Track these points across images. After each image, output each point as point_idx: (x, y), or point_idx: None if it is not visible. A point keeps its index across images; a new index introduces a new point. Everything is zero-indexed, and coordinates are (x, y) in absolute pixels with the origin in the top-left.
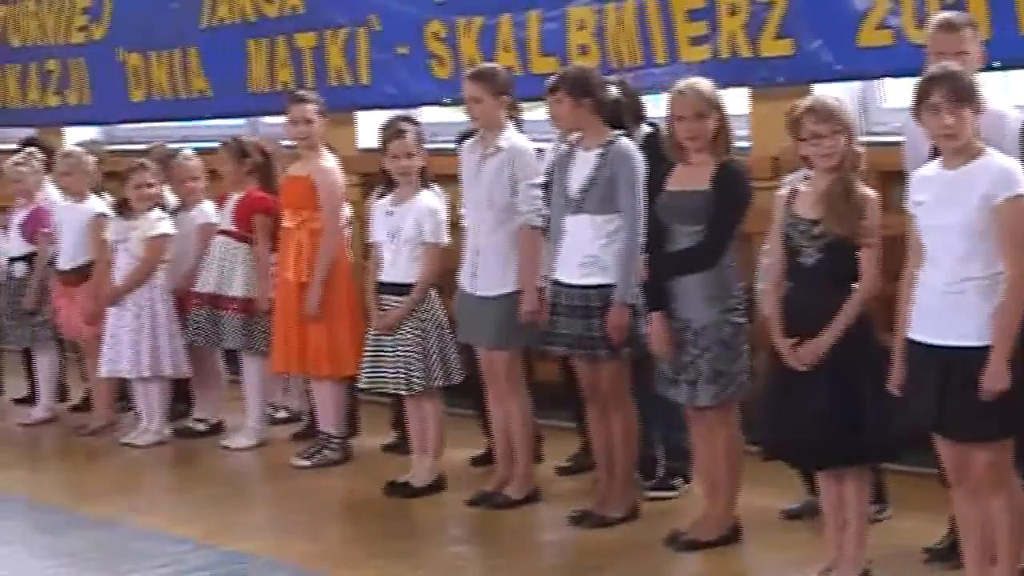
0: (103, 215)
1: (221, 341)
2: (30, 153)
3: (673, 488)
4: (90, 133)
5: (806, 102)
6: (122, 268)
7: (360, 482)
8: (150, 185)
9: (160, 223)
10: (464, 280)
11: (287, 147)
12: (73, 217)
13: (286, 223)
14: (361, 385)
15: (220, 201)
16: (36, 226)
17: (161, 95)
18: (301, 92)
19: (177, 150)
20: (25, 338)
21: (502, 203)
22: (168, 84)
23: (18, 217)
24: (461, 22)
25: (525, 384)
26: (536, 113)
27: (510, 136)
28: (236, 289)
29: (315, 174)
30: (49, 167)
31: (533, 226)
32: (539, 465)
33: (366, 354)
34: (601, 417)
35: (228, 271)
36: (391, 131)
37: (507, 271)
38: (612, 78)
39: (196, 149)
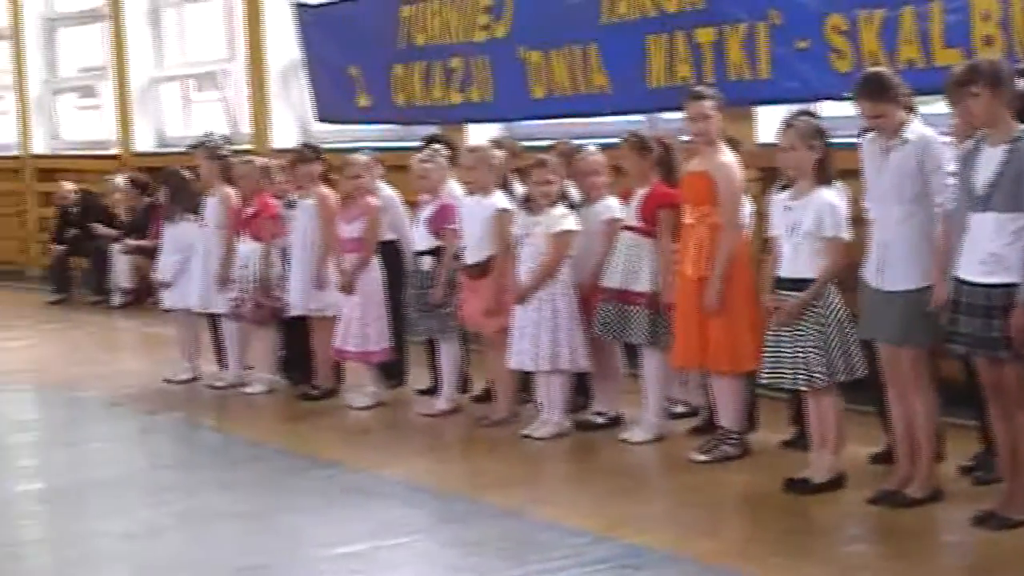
0: (506, 210)
1: (627, 335)
2: (435, 150)
3: None
4: (492, 131)
5: None
6: (526, 262)
7: (758, 477)
8: (549, 182)
9: (565, 219)
10: (869, 274)
11: (685, 142)
12: (477, 212)
13: (686, 219)
14: (761, 380)
15: (624, 196)
16: (442, 222)
17: (561, 92)
18: (699, 88)
19: (580, 146)
20: (432, 329)
21: (911, 195)
22: (568, 81)
23: (425, 212)
24: (862, 15)
25: (931, 381)
26: (934, 107)
27: (915, 127)
28: (642, 284)
29: (713, 170)
30: (453, 163)
31: (948, 213)
32: (941, 464)
33: (766, 349)
34: (1004, 418)
35: (634, 266)
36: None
37: (915, 265)
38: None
39: (597, 145)
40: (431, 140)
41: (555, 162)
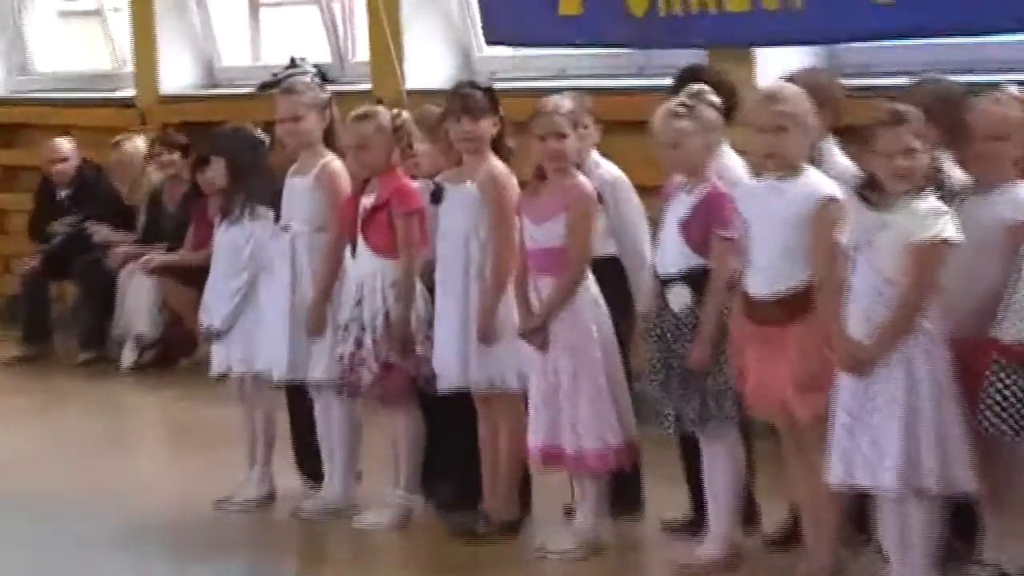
0: (835, 201)
1: None
2: (697, 95)
3: None
4: (798, 59)
5: None
6: (862, 296)
7: None
8: (912, 151)
9: (937, 220)
10: None
11: None
12: (775, 205)
13: None
14: None
15: None
16: (710, 223)
17: None
18: None
19: (973, 87)
20: (690, 417)
21: None
22: None
23: (677, 208)
24: None
25: None
26: None
27: None
28: None
29: None
30: (731, 118)
31: None
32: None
33: None
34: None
35: None
36: None
37: None
38: None
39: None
40: (688, 78)
41: (917, 118)
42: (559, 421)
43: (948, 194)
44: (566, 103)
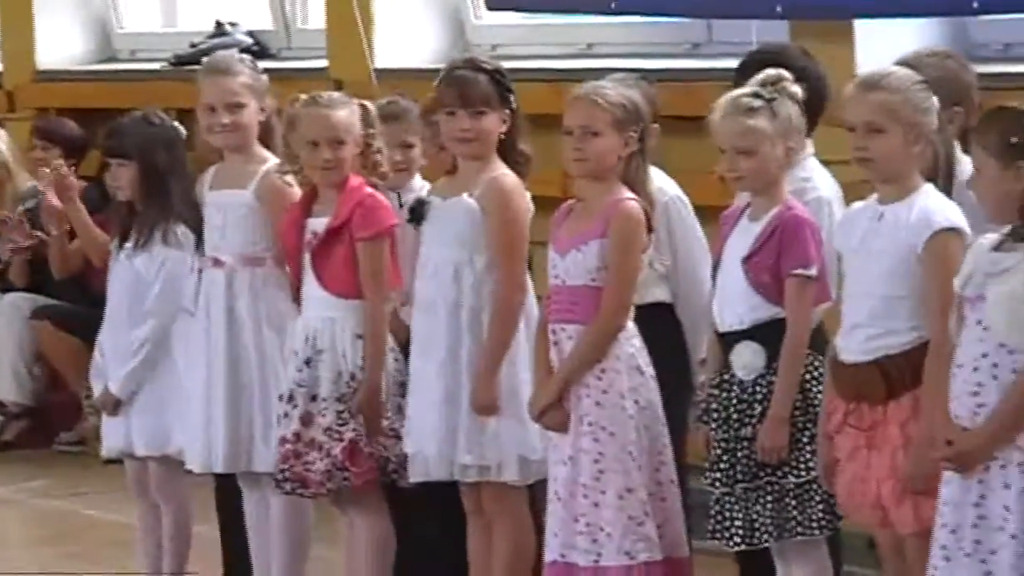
0: (954, 230)
1: None
2: (773, 82)
3: None
4: (920, 37)
5: None
6: (968, 363)
7: None
8: None
9: None
10: None
11: None
12: (879, 234)
13: None
14: None
15: None
16: (788, 260)
17: None
18: None
19: None
20: (763, 527)
21: None
22: None
23: (742, 237)
24: None
25: None
26: None
27: None
28: None
29: None
30: (817, 116)
31: None
32: None
33: None
34: None
35: None
36: None
37: None
38: None
39: None
40: (761, 60)
41: None
42: (575, 526)
43: None
44: (612, 91)
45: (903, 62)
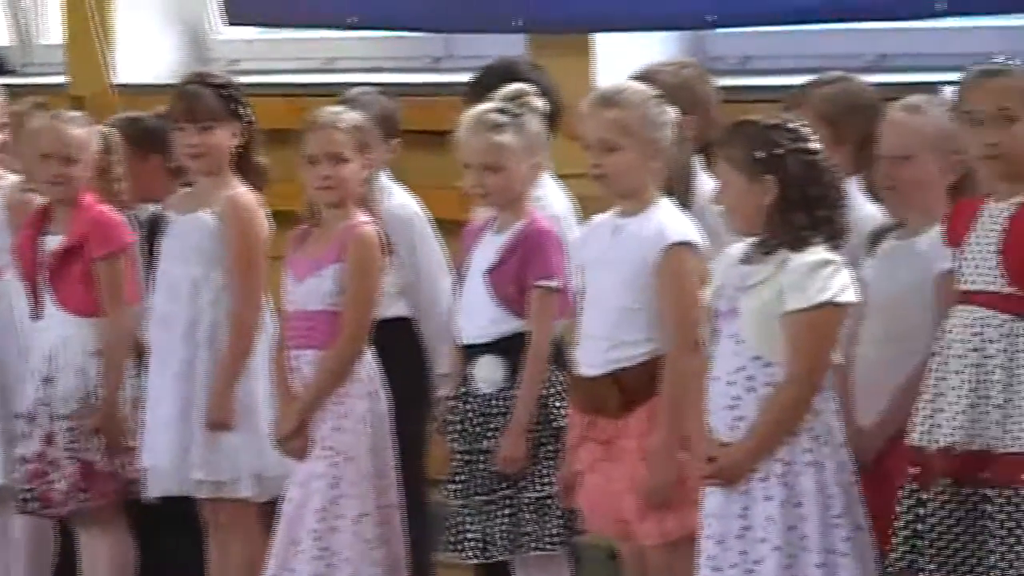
0: (689, 245)
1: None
2: (517, 96)
3: None
4: (663, 49)
5: None
6: (722, 375)
7: None
8: None
9: (828, 273)
10: None
11: None
12: (608, 247)
13: None
14: None
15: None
16: (528, 271)
17: None
18: None
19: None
20: (501, 541)
21: None
22: None
23: (485, 251)
24: None
25: None
26: None
27: None
28: None
29: None
30: (556, 127)
31: None
32: None
33: None
34: None
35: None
36: None
37: None
38: None
39: None
40: (498, 74)
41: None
42: (294, 548)
43: (832, 234)
44: (350, 116)
45: (640, 75)
